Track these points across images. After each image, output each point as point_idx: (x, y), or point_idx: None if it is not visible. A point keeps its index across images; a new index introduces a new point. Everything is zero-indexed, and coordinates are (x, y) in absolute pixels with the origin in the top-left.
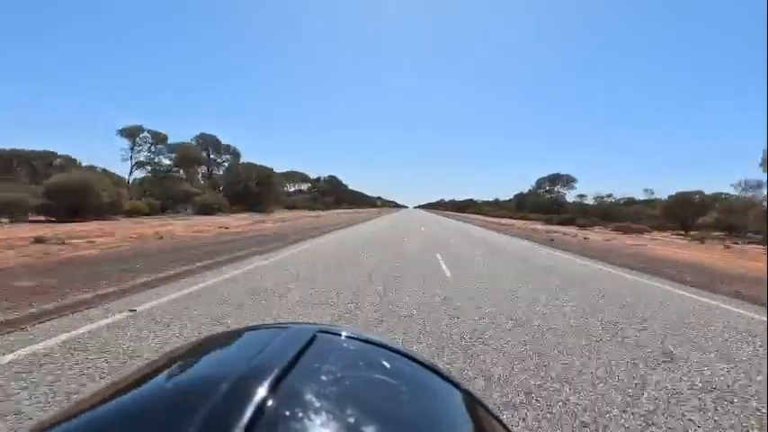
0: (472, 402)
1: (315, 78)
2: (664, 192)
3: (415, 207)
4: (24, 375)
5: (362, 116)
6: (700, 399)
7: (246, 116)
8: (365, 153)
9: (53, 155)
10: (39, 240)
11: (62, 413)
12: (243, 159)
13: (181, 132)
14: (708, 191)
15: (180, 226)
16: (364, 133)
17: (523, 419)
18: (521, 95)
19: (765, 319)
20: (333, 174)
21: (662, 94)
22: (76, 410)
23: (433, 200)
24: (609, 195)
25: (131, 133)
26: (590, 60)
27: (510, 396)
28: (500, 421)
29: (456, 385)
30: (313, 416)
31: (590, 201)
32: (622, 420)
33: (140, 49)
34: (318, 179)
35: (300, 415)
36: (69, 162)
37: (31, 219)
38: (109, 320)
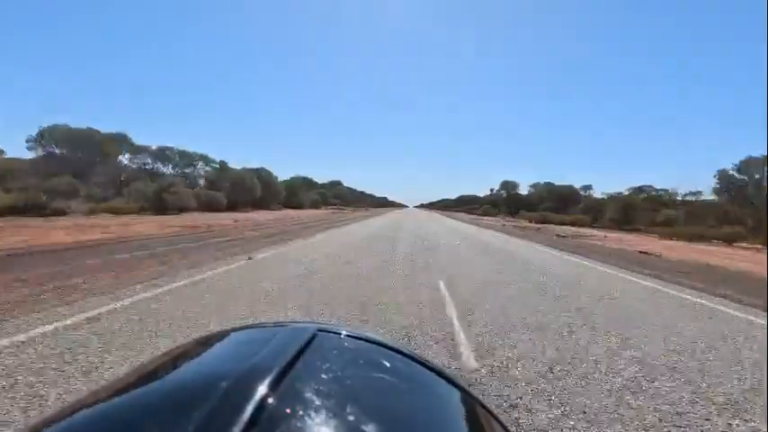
0: (470, 400)
1: (314, 79)
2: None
3: (415, 206)
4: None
5: (363, 115)
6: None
7: (247, 120)
8: (365, 153)
9: None
10: None
11: (62, 411)
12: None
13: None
14: None
15: None
16: (364, 132)
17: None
18: (521, 94)
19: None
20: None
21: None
22: (76, 408)
23: (435, 198)
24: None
25: None
26: (589, 59)
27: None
28: (497, 419)
29: (454, 384)
30: (313, 414)
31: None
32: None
33: (140, 50)
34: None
35: (300, 413)
36: None
37: None
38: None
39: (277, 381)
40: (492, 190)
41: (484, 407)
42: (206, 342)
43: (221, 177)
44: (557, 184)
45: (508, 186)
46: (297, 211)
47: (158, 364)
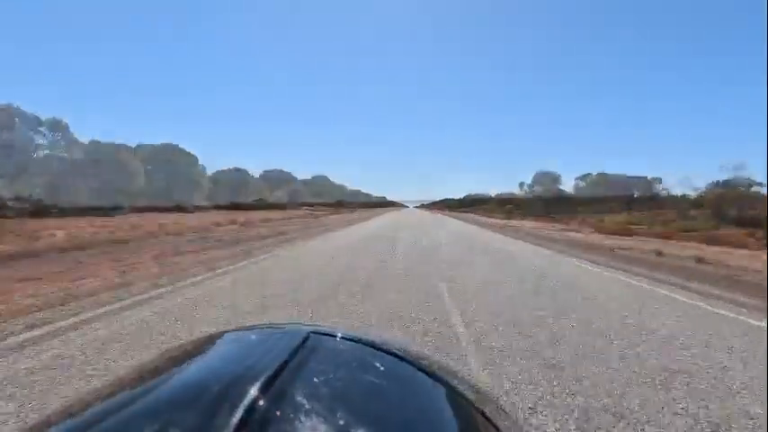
0: (464, 402)
1: (314, 79)
2: None
3: (415, 207)
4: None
5: (362, 115)
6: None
7: (247, 119)
8: (365, 152)
9: None
10: None
11: (56, 415)
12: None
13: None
14: None
15: None
16: (364, 132)
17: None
18: (520, 94)
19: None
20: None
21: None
22: (68, 413)
23: (437, 197)
24: None
25: None
26: (587, 52)
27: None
28: (491, 421)
29: (446, 384)
30: (304, 417)
31: None
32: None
33: (140, 49)
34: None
35: (291, 416)
36: None
37: None
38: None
39: (268, 384)
40: (522, 185)
41: (478, 409)
42: (200, 344)
43: (71, 153)
44: (613, 174)
45: (546, 179)
46: (227, 216)
47: (152, 366)
